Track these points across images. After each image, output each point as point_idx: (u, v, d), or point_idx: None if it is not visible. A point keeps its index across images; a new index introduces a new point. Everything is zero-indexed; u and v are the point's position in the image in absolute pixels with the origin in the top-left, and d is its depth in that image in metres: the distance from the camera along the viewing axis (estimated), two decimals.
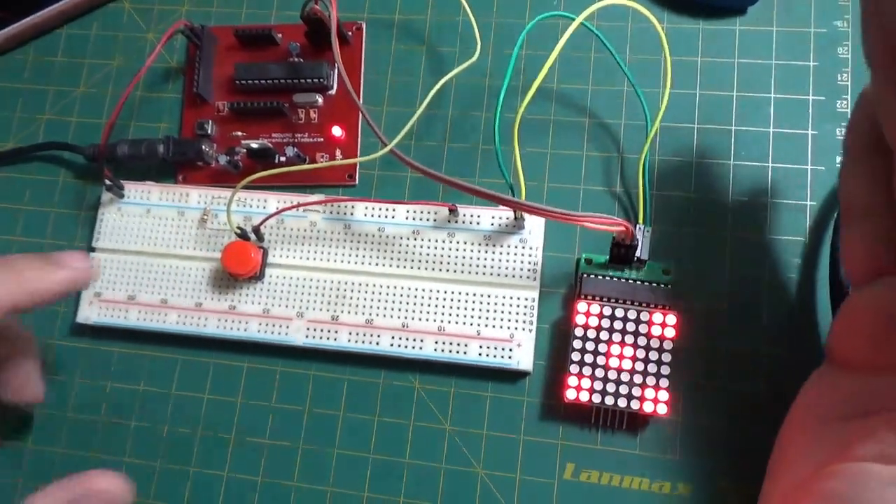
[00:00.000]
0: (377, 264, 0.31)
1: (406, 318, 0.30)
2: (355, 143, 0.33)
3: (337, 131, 0.33)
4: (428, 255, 0.30)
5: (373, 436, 0.30)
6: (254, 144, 0.31)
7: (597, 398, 0.28)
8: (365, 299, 0.30)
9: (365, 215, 0.31)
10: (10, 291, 0.25)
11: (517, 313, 0.30)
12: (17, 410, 0.31)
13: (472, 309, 0.30)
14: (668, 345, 0.28)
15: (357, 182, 0.33)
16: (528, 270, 0.30)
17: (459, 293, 0.30)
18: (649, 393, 0.28)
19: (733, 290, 0.29)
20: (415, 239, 0.31)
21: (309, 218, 0.31)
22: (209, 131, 0.33)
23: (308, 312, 0.31)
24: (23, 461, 0.32)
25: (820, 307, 0.29)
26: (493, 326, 0.30)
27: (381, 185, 0.33)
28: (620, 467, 0.28)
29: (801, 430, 0.21)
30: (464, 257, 0.30)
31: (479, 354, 0.29)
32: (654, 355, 0.28)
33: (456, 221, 0.31)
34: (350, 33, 0.34)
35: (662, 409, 0.28)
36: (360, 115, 0.33)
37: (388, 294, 0.30)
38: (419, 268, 0.30)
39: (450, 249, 0.30)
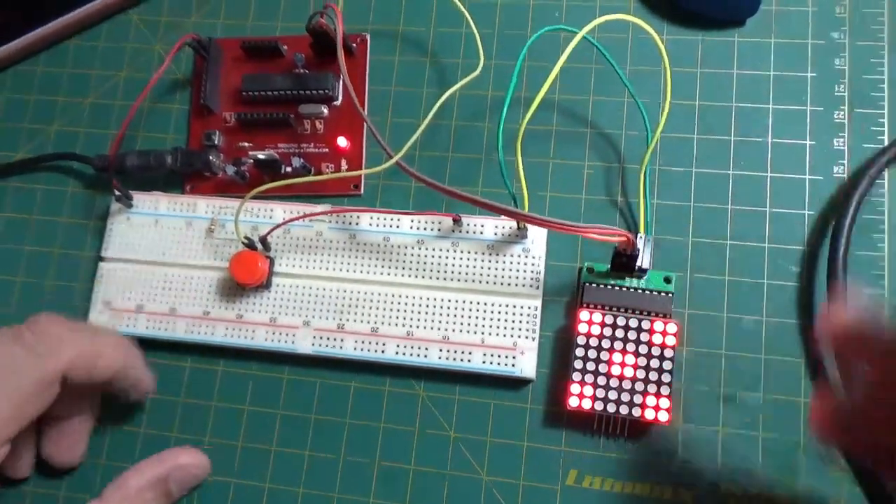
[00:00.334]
0: (382, 273, 0.31)
1: (411, 326, 0.31)
2: (360, 153, 0.33)
3: (342, 142, 0.33)
4: (432, 264, 0.31)
5: (378, 442, 0.31)
6: (261, 155, 0.32)
7: (599, 405, 0.28)
8: (370, 308, 0.31)
9: (370, 225, 0.32)
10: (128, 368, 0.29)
11: (520, 322, 0.30)
12: None
13: (476, 317, 0.30)
14: (668, 353, 0.28)
15: (362, 192, 0.33)
16: (531, 279, 0.30)
17: (463, 302, 0.30)
18: (650, 400, 0.28)
19: (733, 298, 0.30)
20: (419, 248, 0.31)
21: (315, 228, 0.32)
22: (216, 142, 0.34)
23: (314, 321, 0.31)
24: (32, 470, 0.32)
25: (818, 314, 0.29)
26: (497, 335, 0.30)
27: (386, 194, 0.33)
28: (622, 473, 0.29)
29: None
30: (468, 266, 0.31)
31: (483, 362, 0.30)
32: (655, 363, 0.28)
33: (460, 231, 0.31)
34: (354, 45, 0.34)
35: (663, 417, 0.28)
36: (366, 126, 0.33)
37: (393, 303, 0.31)
38: (424, 277, 0.31)
39: (454, 259, 0.31)
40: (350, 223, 0.32)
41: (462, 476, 0.30)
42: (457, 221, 0.31)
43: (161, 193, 0.33)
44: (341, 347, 0.31)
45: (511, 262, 0.31)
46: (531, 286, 0.30)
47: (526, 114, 0.27)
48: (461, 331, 0.30)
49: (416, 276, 0.31)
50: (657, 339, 0.29)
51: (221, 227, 0.32)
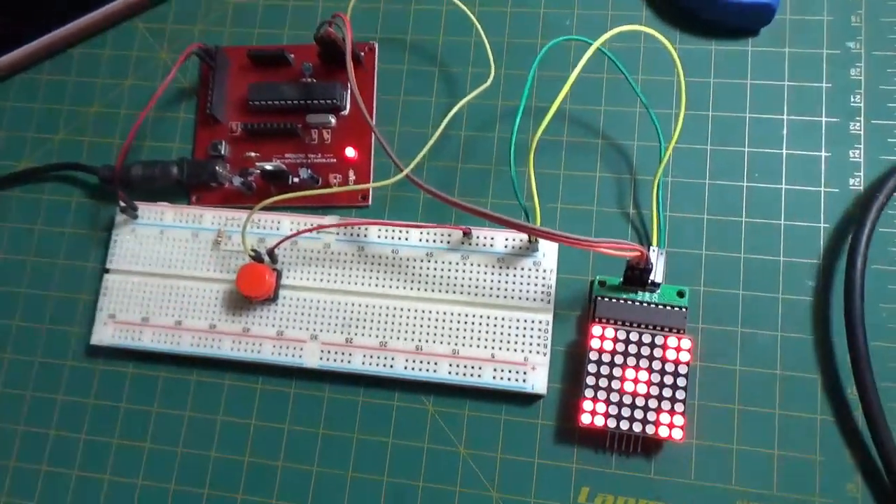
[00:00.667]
0: (391, 286, 0.31)
1: (420, 340, 0.30)
2: (368, 163, 0.33)
3: (350, 152, 0.33)
4: (442, 277, 0.30)
5: (387, 458, 0.30)
6: (268, 166, 0.31)
7: (612, 422, 0.28)
8: (379, 321, 0.30)
9: (379, 237, 0.31)
10: None
11: (531, 336, 0.30)
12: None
13: (487, 332, 0.30)
14: (682, 369, 0.28)
15: (370, 203, 0.33)
16: (542, 293, 0.30)
17: (473, 316, 0.30)
18: (664, 417, 0.28)
19: (747, 313, 0.29)
20: (428, 261, 0.31)
21: (323, 240, 0.32)
22: (222, 152, 0.33)
23: (322, 335, 0.31)
24: (37, 483, 0.32)
25: (834, 329, 0.29)
26: (508, 350, 0.30)
27: (394, 205, 0.33)
28: (635, 491, 0.28)
29: None
30: (478, 280, 0.30)
31: (494, 378, 0.29)
32: (668, 379, 0.28)
33: (470, 244, 0.31)
34: (363, 53, 0.34)
35: (677, 434, 0.28)
36: (373, 136, 0.33)
37: (402, 316, 0.30)
38: (433, 290, 0.30)
39: (464, 272, 0.30)
40: (358, 235, 0.31)
41: (471, 493, 0.29)
42: (467, 234, 0.30)
43: (167, 204, 0.33)
44: (349, 362, 0.30)
45: (522, 276, 0.30)
46: (542, 300, 0.30)
47: (538, 127, 0.27)
48: (471, 345, 0.30)
49: (426, 290, 0.30)
50: (671, 354, 0.28)
51: (228, 238, 0.32)
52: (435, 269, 0.31)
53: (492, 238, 0.31)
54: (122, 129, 0.35)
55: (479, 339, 0.30)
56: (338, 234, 0.31)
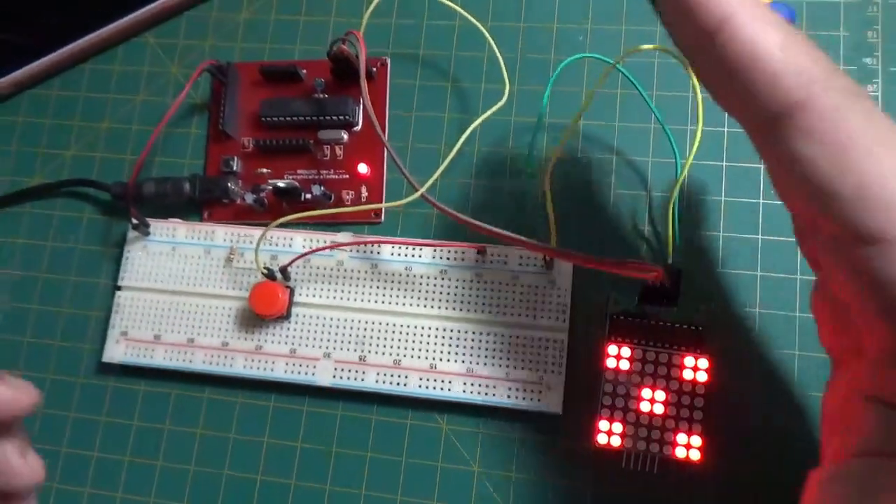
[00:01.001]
0: (404, 304, 0.31)
1: (434, 359, 0.30)
2: (381, 179, 0.33)
3: (363, 168, 0.33)
4: (456, 295, 0.30)
5: (400, 477, 0.30)
6: (281, 184, 0.31)
7: (628, 443, 0.28)
8: (392, 340, 0.30)
9: (392, 254, 0.31)
10: None
11: (546, 355, 0.29)
12: None
13: (501, 350, 0.30)
14: (700, 389, 0.28)
15: (382, 220, 0.33)
16: (558, 311, 0.30)
17: (488, 334, 0.30)
18: (681, 438, 0.27)
19: (764, 331, 0.29)
20: (442, 279, 0.31)
21: (336, 257, 0.31)
22: (234, 168, 0.33)
23: (335, 353, 0.30)
24: (49, 500, 0.31)
25: None
26: (523, 368, 0.29)
27: (407, 221, 0.33)
28: None
29: None
30: (492, 298, 0.30)
31: (508, 397, 0.29)
32: (686, 399, 0.28)
33: (484, 261, 0.30)
34: (375, 69, 0.34)
35: (695, 455, 0.27)
36: (387, 153, 0.32)
37: (415, 334, 0.30)
38: (447, 308, 0.30)
39: (478, 290, 0.30)
40: (372, 253, 0.31)
41: None
42: (481, 252, 0.30)
43: (179, 221, 0.33)
44: (363, 380, 0.30)
45: (537, 294, 0.30)
46: (557, 318, 0.30)
47: (553, 146, 0.26)
48: (485, 364, 0.30)
49: (439, 308, 0.30)
50: (688, 374, 0.28)
51: (241, 255, 0.32)
52: (449, 286, 0.30)
53: (506, 256, 0.30)
54: (133, 144, 0.35)
55: (493, 357, 0.30)
56: (351, 251, 0.31)
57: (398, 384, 0.30)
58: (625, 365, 0.28)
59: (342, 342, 0.31)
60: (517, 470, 0.29)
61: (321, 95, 0.33)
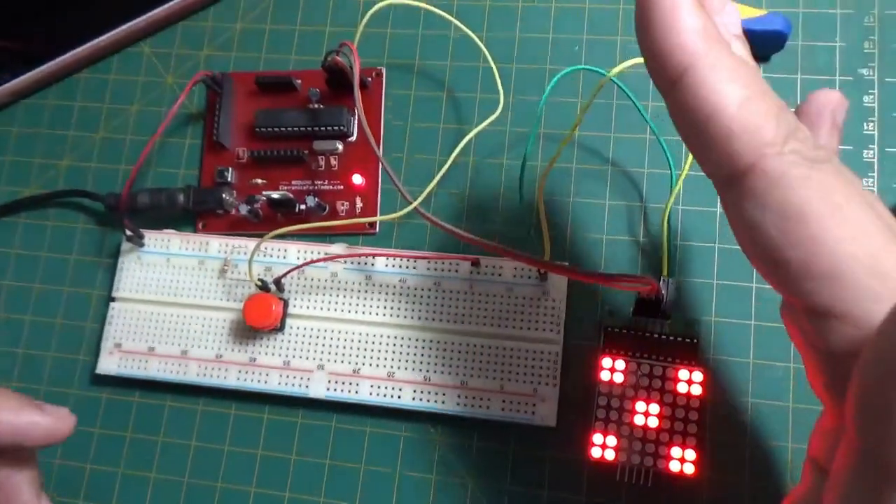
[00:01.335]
0: (398, 316, 0.30)
1: (428, 371, 0.30)
2: (376, 190, 0.33)
3: (357, 179, 0.33)
4: (450, 307, 0.30)
5: (394, 489, 0.30)
6: (275, 195, 0.31)
7: (622, 456, 0.28)
8: (386, 352, 0.30)
9: (387, 266, 0.31)
10: None
11: (540, 367, 0.29)
12: None
13: (495, 363, 0.29)
14: (694, 402, 0.28)
15: (377, 230, 0.33)
16: (552, 323, 0.30)
17: (482, 346, 0.30)
18: (676, 451, 0.27)
19: (760, 344, 0.29)
20: (437, 290, 0.30)
21: (330, 268, 0.31)
22: (229, 178, 0.33)
23: (329, 365, 0.30)
24: None
25: None
26: (517, 381, 0.29)
27: (402, 232, 0.33)
28: None
29: None
30: (486, 310, 0.30)
31: (503, 409, 0.29)
32: (680, 413, 0.28)
33: (478, 273, 0.30)
34: (370, 79, 0.34)
35: (689, 469, 0.27)
36: (381, 165, 0.32)
37: (409, 346, 0.30)
38: (441, 320, 0.30)
39: (472, 301, 0.30)
40: (366, 264, 0.31)
41: None
42: (475, 264, 0.30)
43: (173, 232, 0.33)
44: (356, 392, 0.30)
45: (531, 306, 0.30)
46: (551, 330, 0.29)
47: (548, 158, 0.26)
48: (479, 376, 0.29)
49: (434, 320, 0.30)
50: (682, 387, 0.28)
51: (234, 266, 0.32)
52: (443, 298, 0.30)
53: (500, 267, 0.30)
54: (128, 154, 0.35)
55: (487, 369, 0.29)
56: (345, 262, 0.31)
57: (392, 396, 0.30)
58: (619, 378, 0.28)
59: (336, 354, 0.30)
60: (511, 483, 0.29)
61: (316, 106, 0.33)
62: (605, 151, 0.32)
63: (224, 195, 0.32)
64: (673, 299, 0.28)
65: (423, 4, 0.32)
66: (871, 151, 0.30)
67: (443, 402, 0.29)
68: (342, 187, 0.33)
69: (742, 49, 0.19)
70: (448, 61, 0.34)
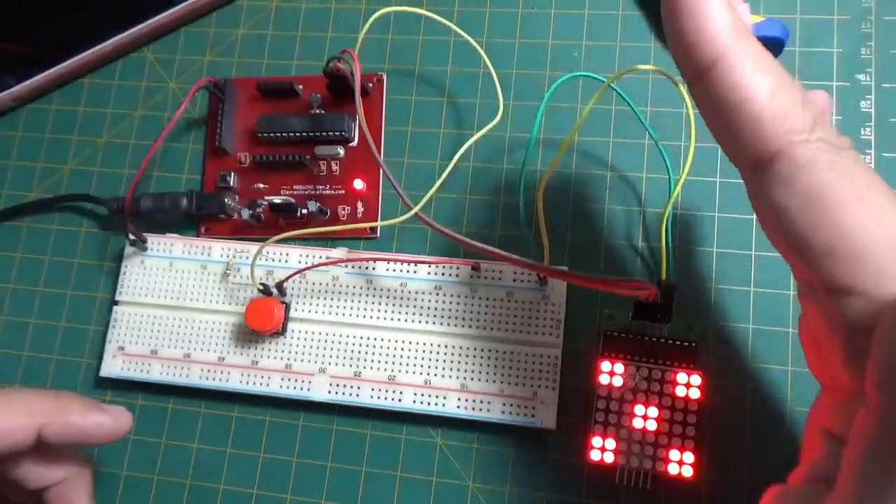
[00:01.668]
0: (399, 320, 0.31)
1: (429, 374, 0.30)
2: (377, 195, 0.33)
3: (358, 184, 0.33)
4: (450, 310, 0.30)
5: (395, 492, 0.30)
6: (277, 200, 0.31)
7: (622, 459, 0.28)
8: (387, 355, 0.30)
9: (387, 270, 0.31)
10: (54, 420, 0.25)
11: (540, 370, 0.29)
12: None
13: (496, 366, 0.30)
14: (693, 405, 0.28)
15: (378, 234, 0.33)
16: (552, 327, 0.30)
17: (482, 350, 0.30)
18: (674, 454, 0.28)
19: (758, 347, 0.29)
20: (437, 294, 0.31)
21: (331, 272, 0.32)
22: (231, 183, 0.33)
23: (330, 368, 0.31)
24: None
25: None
26: (517, 384, 0.29)
27: (403, 236, 0.33)
28: None
29: None
30: (486, 313, 0.30)
31: (503, 412, 0.29)
32: (679, 416, 0.28)
33: (479, 277, 0.31)
34: (371, 84, 0.34)
35: (688, 472, 0.27)
36: (382, 170, 0.33)
37: (410, 350, 0.30)
38: (442, 324, 0.30)
39: (472, 305, 0.30)
40: (367, 268, 0.31)
41: None
42: (475, 268, 0.30)
43: (176, 236, 0.33)
44: (358, 395, 0.30)
45: (531, 310, 0.30)
46: (551, 334, 0.30)
47: (547, 163, 0.27)
48: (480, 379, 0.30)
49: (434, 323, 0.30)
50: (681, 391, 0.28)
51: (237, 270, 0.32)
52: (444, 302, 0.31)
53: (500, 272, 0.30)
54: (131, 159, 0.35)
55: (487, 373, 0.30)
56: (346, 267, 0.31)
57: (393, 399, 0.30)
58: (618, 381, 0.28)
59: (337, 357, 0.31)
60: (511, 485, 0.29)
61: (318, 111, 0.33)
62: (604, 157, 0.32)
63: (226, 200, 0.33)
64: (671, 304, 0.29)
65: (423, 11, 0.32)
66: (869, 156, 0.31)
67: (443, 405, 0.30)
68: (343, 192, 0.33)
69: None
70: (448, 67, 0.34)
